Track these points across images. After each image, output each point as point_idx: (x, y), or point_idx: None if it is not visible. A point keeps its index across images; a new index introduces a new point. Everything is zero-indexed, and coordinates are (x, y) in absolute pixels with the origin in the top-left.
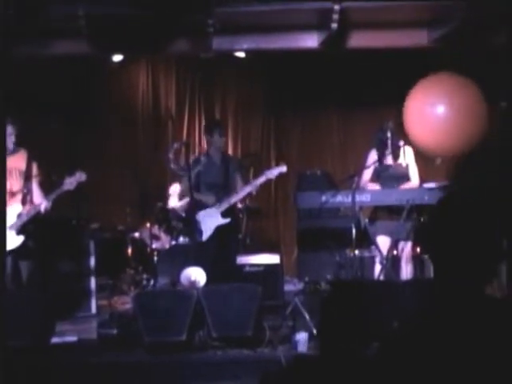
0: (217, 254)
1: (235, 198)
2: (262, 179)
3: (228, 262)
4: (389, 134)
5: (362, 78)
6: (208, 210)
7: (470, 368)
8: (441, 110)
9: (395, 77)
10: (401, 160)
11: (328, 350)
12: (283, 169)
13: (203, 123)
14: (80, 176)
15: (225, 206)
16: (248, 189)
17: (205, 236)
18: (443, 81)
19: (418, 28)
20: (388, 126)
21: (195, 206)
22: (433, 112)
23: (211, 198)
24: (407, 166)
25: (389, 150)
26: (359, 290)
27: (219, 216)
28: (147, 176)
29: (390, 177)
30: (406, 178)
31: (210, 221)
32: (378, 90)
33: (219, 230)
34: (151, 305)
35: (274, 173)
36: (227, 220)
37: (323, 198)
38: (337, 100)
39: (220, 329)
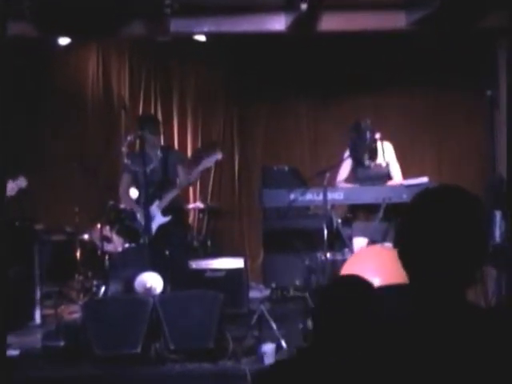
0: (165, 256)
1: (174, 193)
2: (199, 168)
3: (178, 267)
4: (368, 135)
5: (334, 65)
6: (150, 209)
7: (446, 376)
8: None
9: (370, 63)
10: (380, 159)
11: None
12: (218, 156)
13: (159, 112)
14: (21, 182)
15: (164, 202)
16: (186, 181)
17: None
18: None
19: (395, 10)
20: (366, 126)
21: (147, 204)
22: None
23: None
24: (387, 164)
25: (366, 152)
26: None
27: (159, 214)
28: (98, 172)
29: (368, 178)
30: (386, 178)
31: (152, 220)
32: (353, 78)
33: (163, 230)
34: (102, 314)
35: (210, 160)
36: (167, 218)
37: (291, 196)
38: (307, 89)
39: (178, 340)
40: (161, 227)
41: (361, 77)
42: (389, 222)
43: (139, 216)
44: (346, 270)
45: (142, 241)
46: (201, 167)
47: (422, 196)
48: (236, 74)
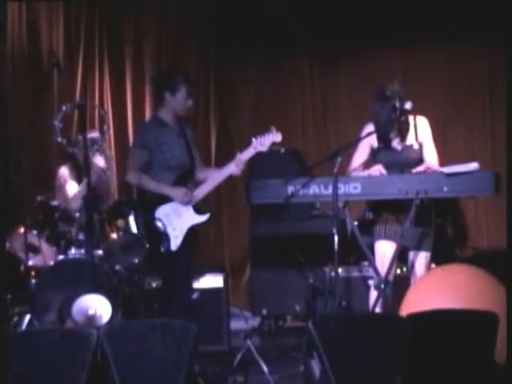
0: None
1: (211, 184)
2: (249, 153)
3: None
4: (397, 104)
5: (350, 10)
6: (173, 204)
7: None
8: None
9: (397, 7)
10: (410, 139)
11: None
12: (277, 137)
13: (107, 73)
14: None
15: (199, 196)
16: (230, 169)
17: (174, 244)
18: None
19: None
20: (393, 92)
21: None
22: None
23: (179, 191)
24: (421, 146)
25: (394, 128)
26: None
27: (192, 211)
28: (20, 155)
29: (395, 164)
30: (418, 164)
31: (180, 220)
32: (374, 27)
33: (195, 233)
34: (27, 353)
35: (265, 143)
36: (205, 217)
37: (289, 189)
38: (313, 40)
39: None
40: (191, 230)
41: (386, 25)
42: (424, 224)
43: (163, 212)
44: (411, 298)
45: (162, 248)
46: (250, 152)
47: None
48: (214, 17)
